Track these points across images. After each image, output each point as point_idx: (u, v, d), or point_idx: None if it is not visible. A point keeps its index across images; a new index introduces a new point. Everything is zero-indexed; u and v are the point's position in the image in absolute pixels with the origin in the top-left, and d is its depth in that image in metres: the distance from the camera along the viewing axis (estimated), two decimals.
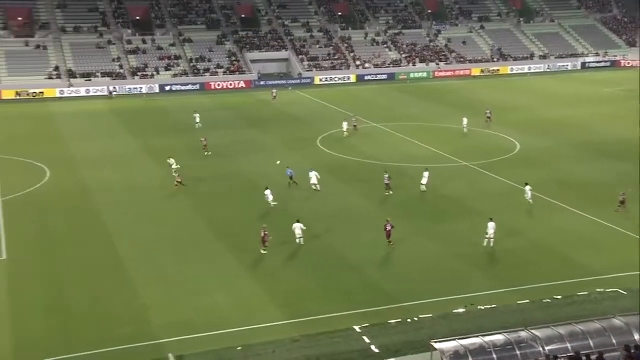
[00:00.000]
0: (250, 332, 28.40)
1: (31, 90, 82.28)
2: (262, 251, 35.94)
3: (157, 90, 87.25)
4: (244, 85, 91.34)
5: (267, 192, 42.65)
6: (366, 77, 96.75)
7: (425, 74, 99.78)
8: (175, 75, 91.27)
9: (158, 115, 72.91)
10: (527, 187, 43.09)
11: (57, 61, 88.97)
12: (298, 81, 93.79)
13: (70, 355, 26.75)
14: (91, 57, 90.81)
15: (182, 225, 40.60)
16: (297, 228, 36.80)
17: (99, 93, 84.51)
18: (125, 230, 39.75)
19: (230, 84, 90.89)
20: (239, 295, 31.82)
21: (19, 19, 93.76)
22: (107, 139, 61.68)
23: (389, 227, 36.91)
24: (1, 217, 41.53)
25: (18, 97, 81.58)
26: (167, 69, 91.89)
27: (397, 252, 36.39)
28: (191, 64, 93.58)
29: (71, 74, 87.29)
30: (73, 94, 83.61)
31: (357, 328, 28.43)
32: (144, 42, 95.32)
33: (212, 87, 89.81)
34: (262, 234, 36.09)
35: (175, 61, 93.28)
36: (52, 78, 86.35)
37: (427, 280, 33.07)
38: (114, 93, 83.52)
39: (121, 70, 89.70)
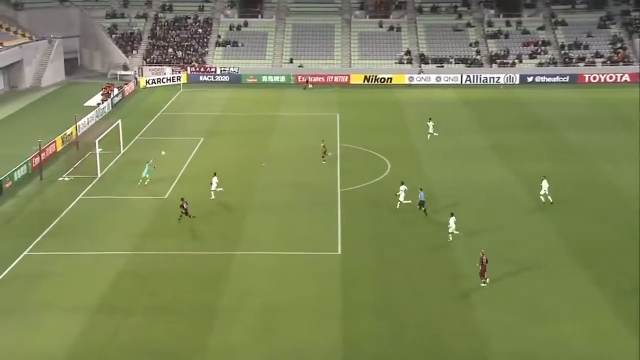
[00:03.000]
0: None
1: (380, 76, 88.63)
2: (482, 284, 34.61)
3: (517, 81, 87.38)
4: (628, 79, 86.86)
5: (405, 188, 44.40)
6: None
7: None
8: (540, 64, 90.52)
9: (515, 110, 73.16)
10: None
11: (409, 44, 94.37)
12: None
13: None
14: (446, 41, 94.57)
15: (529, 236, 40.79)
16: (451, 222, 39.72)
17: (450, 82, 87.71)
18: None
19: (610, 77, 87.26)
20: (597, 329, 31.00)
21: None
22: (454, 132, 63.73)
23: None
24: (339, 210, 45.65)
25: (366, 83, 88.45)
26: (532, 56, 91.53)
27: None
28: (562, 52, 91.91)
29: (423, 59, 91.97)
30: (422, 81, 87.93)
31: None
32: (507, 24, 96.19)
33: (586, 80, 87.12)
34: (481, 261, 34.52)
35: (543, 48, 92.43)
36: (402, 63, 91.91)
37: None
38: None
39: (478, 57, 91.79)
